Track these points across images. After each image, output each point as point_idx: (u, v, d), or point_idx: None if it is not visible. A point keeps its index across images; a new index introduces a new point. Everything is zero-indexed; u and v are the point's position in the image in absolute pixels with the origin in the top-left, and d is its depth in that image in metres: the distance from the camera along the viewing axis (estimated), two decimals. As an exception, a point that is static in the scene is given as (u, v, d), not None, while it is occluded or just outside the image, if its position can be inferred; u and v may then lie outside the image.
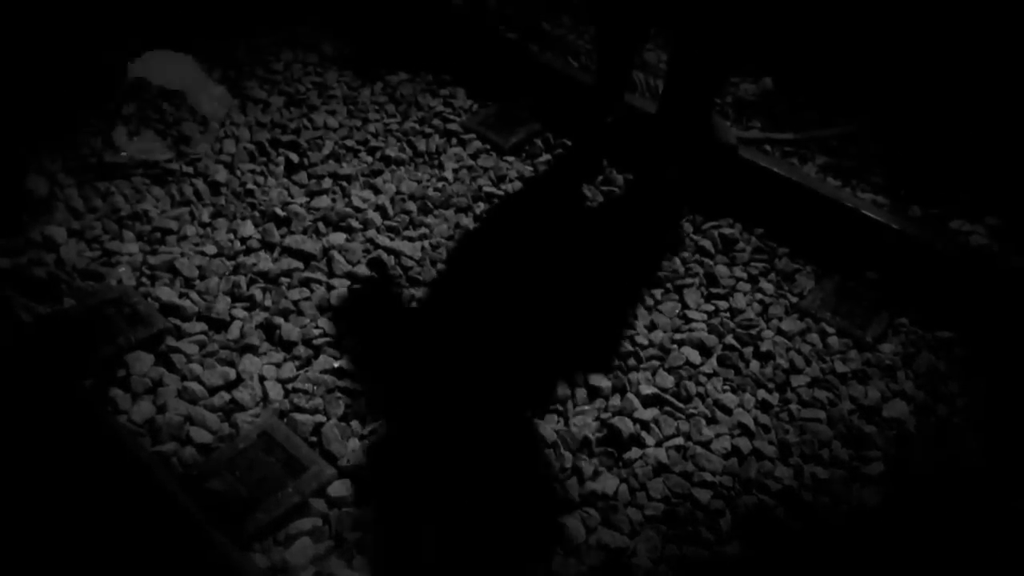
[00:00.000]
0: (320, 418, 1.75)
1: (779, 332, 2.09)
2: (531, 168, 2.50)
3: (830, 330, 2.11)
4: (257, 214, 2.21)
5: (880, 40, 2.90)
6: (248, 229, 2.16)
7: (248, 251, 2.11)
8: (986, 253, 2.30)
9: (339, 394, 1.80)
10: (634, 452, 1.77)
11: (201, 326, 1.90)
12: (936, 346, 2.10)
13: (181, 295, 1.96)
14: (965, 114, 2.77)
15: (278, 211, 2.21)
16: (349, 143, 2.49)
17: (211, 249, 2.09)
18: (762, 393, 1.94)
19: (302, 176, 2.36)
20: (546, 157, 2.55)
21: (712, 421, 1.86)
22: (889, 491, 1.76)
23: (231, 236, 2.14)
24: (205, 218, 2.18)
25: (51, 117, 2.39)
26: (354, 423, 1.75)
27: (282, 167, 2.37)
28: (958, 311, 2.15)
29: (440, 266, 2.14)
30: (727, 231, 2.32)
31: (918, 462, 1.83)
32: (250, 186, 2.29)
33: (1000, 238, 2.42)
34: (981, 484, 1.80)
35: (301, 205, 2.25)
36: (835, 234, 2.29)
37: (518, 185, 2.44)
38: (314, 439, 1.71)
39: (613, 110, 2.52)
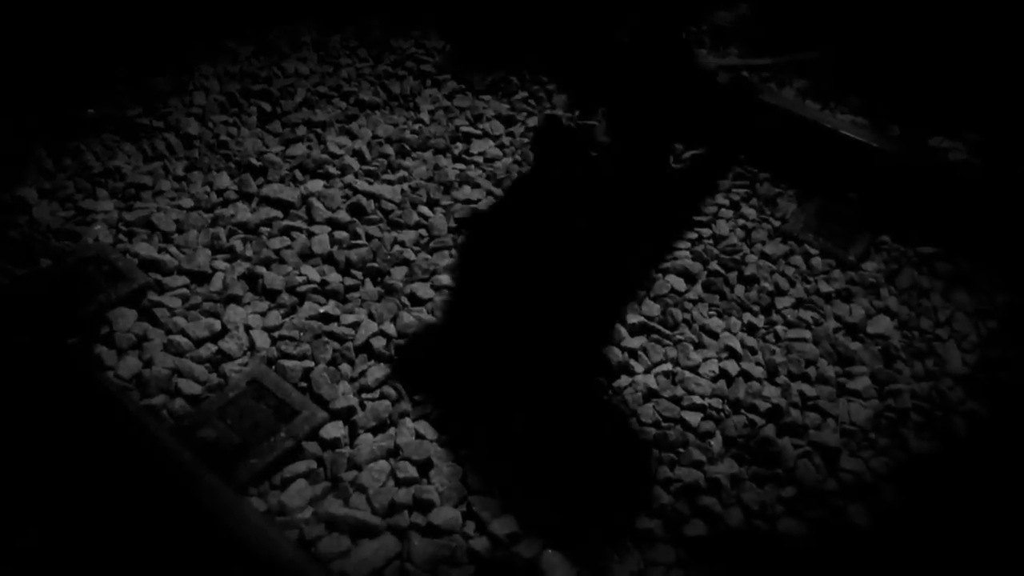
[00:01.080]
0: (309, 363, 1.74)
1: (763, 256, 2.09)
2: (508, 106, 2.47)
3: (813, 251, 2.11)
4: (232, 165, 2.18)
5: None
6: (224, 181, 2.13)
7: (226, 203, 2.09)
8: (966, 168, 2.30)
9: (326, 339, 1.79)
10: (623, 380, 1.78)
11: (183, 280, 1.88)
12: (918, 262, 2.12)
13: (160, 250, 1.94)
14: (942, 33, 2.75)
15: (253, 161, 2.18)
16: (322, 89, 2.45)
17: (188, 202, 2.07)
18: (748, 316, 1.95)
19: (276, 125, 2.32)
20: (523, 95, 2.52)
21: (699, 346, 1.87)
22: (876, 406, 1.79)
23: (207, 188, 2.11)
24: (179, 172, 2.14)
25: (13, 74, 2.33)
26: (343, 366, 1.75)
27: (255, 117, 2.34)
28: (939, 226, 2.16)
29: (422, 208, 2.13)
30: (708, 160, 2.31)
31: (903, 375, 1.85)
32: (223, 137, 2.25)
33: (979, 153, 2.42)
34: (964, 391, 1.83)
35: (277, 154, 2.22)
36: (815, 156, 2.28)
37: (496, 124, 2.41)
38: (304, 384, 1.71)
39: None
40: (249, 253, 1.96)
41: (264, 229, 2.03)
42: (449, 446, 1.62)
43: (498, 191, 2.20)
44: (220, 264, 1.93)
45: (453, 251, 2.02)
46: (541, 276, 1.97)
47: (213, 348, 1.76)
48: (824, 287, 2.03)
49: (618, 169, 2.27)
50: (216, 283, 1.89)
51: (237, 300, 1.86)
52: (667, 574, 1.48)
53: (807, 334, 1.92)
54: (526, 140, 2.37)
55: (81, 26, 2.49)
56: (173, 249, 1.95)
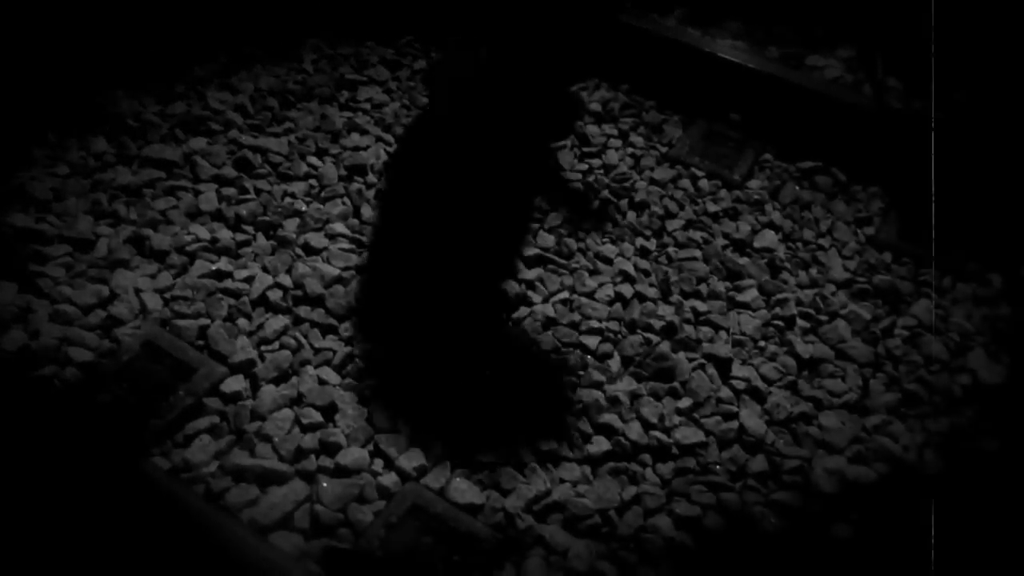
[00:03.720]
0: (204, 321, 1.72)
1: (652, 182, 2.15)
2: (393, 50, 2.45)
3: (700, 174, 2.18)
4: (108, 127, 2.10)
5: None
6: (101, 144, 2.06)
7: (104, 167, 2.02)
8: (838, 85, 2.39)
9: (220, 295, 1.77)
10: (522, 311, 1.82)
11: (65, 248, 1.82)
12: (799, 176, 2.21)
13: (38, 220, 1.87)
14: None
15: (130, 122, 2.11)
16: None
17: (63, 169, 1.99)
18: (640, 241, 2.00)
19: (151, 84, 2.24)
20: (409, 37, 2.49)
21: (595, 272, 1.92)
22: (764, 316, 1.87)
23: (83, 153, 2.03)
24: (51, 138, 2.06)
25: None
26: (240, 321, 1.73)
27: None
28: (818, 142, 2.25)
29: (311, 159, 2.10)
30: (595, 92, 2.34)
31: (789, 285, 1.94)
32: (97, 100, 2.16)
33: (852, 69, 2.52)
34: (847, 295, 1.93)
35: (154, 113, 2.15)
36: (697, 81, 2.34)
37: (382, 70, 2.39)
38: (200, 343, 1.69)
39: None
40: (134, 216, 1.91)
41: (147, 191, 1.97)
42: (353, 389, 1.64)
43: (388, 136, 2.18)
44: (104, 229, 1.88)
45: (345, 199, 2.01)
46: (436, 216, 1.98)
47: (103, 314, 1.71)
48: (712, 207, 2.10)
49: (498, 105, 2.28)
50: (101, 249, 1.84)
51: (124, 264, 1.81)
52: (574, 490, 1.54)
53: (697, 253, 1.99)
54: (412, 84, 2.36)
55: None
56: (52, 218, 1.88)
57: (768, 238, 2.04)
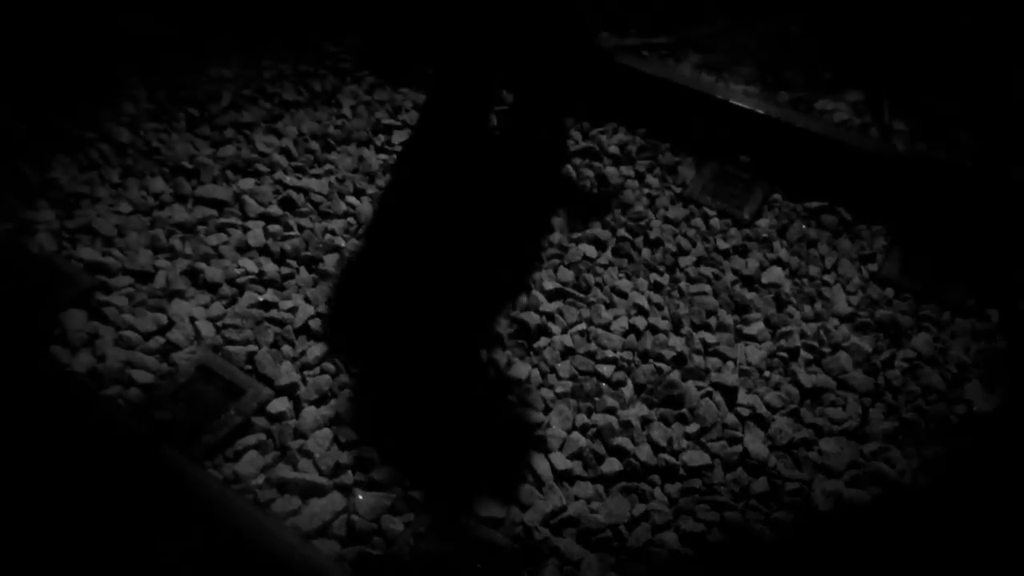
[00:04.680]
0: (252, 347, 1.89)
1: (666, 220, 2.29)
2: (425, 96, 2.62)
3: (711, 213, 2.32)
4: (166, 169, 2.29)
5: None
6: (159, 185, 2.25)
7: (162, 205, 2.21)
8: (845, 128, 2.53)
9: (267, 324, 1.94)
10: (542, 341, 1.96)
11: (127, 279, 2.01)
12: (807, 215, 2.34)
13: (104, 253, 2.06)
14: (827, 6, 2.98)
15: (186, 164, 2.30)
16: (247, 92, 2.57)
17: (126, 207, 2.18)
18: (654, 276, 2.14)
19: (204, 129, 2.44)
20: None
21: (610, 305, 2.06)
22: (770, 347, 2.00)
23: (143, 193, 2.23)
24: (115, 179, 2.25)
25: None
26: (285, 347, 1.90)
27: (184, 122, 2.45)
28: (824, 182, 2.38)
29: (349, 199, 2.27)
30: (613, 136, 2.50)
31: (794, 318, 2.07)
32: (155, 144, 2.36)
33: (860, 112, 2.65)
34: (849, 328, 2.05)
35: (207, 156, 2.34)
36: (710, 125, 2.49)
37: (414, 115, 2.56)
38: (249, 367, 1.86)
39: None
40: (188, 250, 2.09)
41: (201, 227, 2.16)
42: (386, 411, 1.79)
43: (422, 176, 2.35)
44: (162, 262, 2.06)
45: (380, 235, 2.18)
46: (463, 251, 2.14)
47: (161, 340, 1.89)
48: (722, 244, 2.23)
49: (525, 147, 2.44)
50: (159, 280, 2.02)
51: (180, 294, 1.99)
52: (588, 506, 1.68)
53: (708, 288, 2.12)
54: (444, 128, 2.53)
55: None
56: (116, 252, 2.06)
57: (775, 274, 2.17)
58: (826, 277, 2.19)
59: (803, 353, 2.00)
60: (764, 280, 2.16)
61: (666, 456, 1.76)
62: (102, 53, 2.61)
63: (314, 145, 2.41)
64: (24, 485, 1.51)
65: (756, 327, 2.04)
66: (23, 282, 1.95)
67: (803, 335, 2.04)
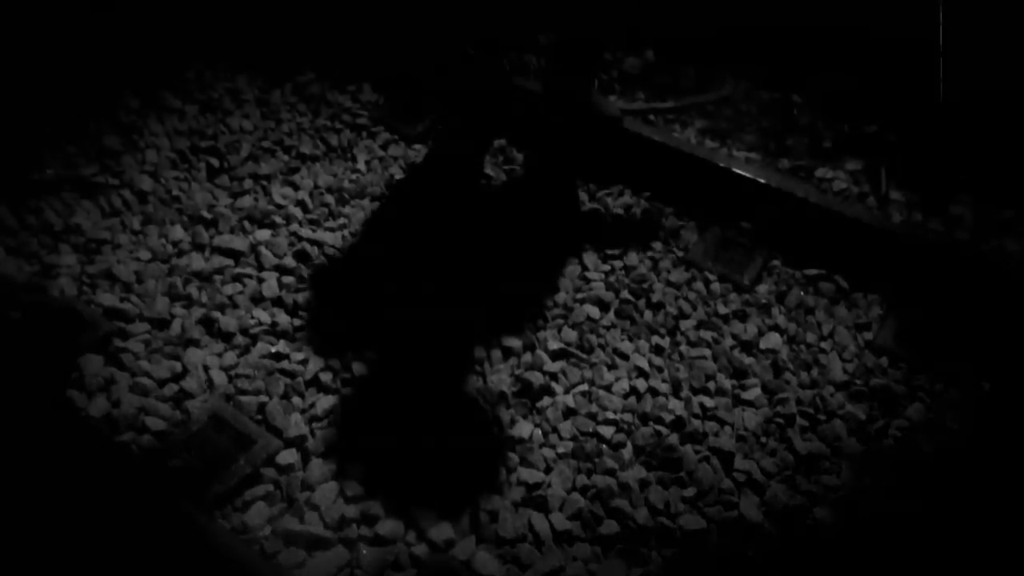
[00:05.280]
0: (263, 398, 1.94)
1: (668, 283, 2.36)
2: (425, 155, 2.71)
3: (712, 277, 2.38)
4: (185, 218, 2.37)
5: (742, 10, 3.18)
6: (178, 233, 2.32)
7: (180, 253, 2.28)
8: (844, 198, 2.61)
9: (279, 375, 2.00)
10: (545, 400, 2.02)
11: (144, 326, 2.07)
12: (805, 282, 2.40)
13: (122, 299, 2.12)
14: (825, 70, 3.08)
15: (204, 214, 2.37)
16: (265, 144, 2.65)
17: (145, 254, 2.25)
18: (655, 338, 2.20)
19: (224, 179, 2.52)
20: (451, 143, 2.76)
21: (612, 367, 2.12)
22: (767, 413, 2.05)
23: (163, 241, 2.30)
24: (136, 226, 2.33)
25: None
26: (295, 399, 1.95)
27: (204, 172, 2.53)
28: (823, 250, 2.45)
29: (361, 252, 2.34)
30: (619, 199, 2.58)
31: (791, 385, 2.12)
32: (176, 192, 2.44)
33: (858, 181, 2.73)
34: (845, 396, 2.10)
35: (226, 206, 2.42)
36: (712, 191, 2.56)
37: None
38: (259, 417, 1.91)
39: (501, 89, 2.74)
40: (204, 299, 2.16)
41: (217, 276, 2.22)
42: (391, 467, 1.84)
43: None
44: (178, 310, 2.12)
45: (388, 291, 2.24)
46: (470, 305, 2.20)
47: (175, 387, 1.95)
48: (722, 309, 2.30)
49: (533, 206, 2.52)
50: (175, 328, 2.08)
51: (195, 343, 2.05)
52: (585, 568, 1.72)
53: (707, 352, 2.18)
54: (455, 185, 2.61)
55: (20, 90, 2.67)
56: (134, 298, 2.13)
57: (773, 340, 2.23)
58: (823, 344, 2.25)
59: (799, 420, 2.05)
60: (762, 346, 2.22)
61: (663, 519, 1.80)
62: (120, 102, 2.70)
63: (329, 198, 2.49)
64: (40, 535, 1.56)
65: (754, 392, 2.09)
66: (44, 325, 2.01)
67: (799, 402, 2.09)
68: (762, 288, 2.38)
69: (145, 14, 3.05)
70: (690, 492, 1.87)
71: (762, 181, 2.49)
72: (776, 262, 2.45)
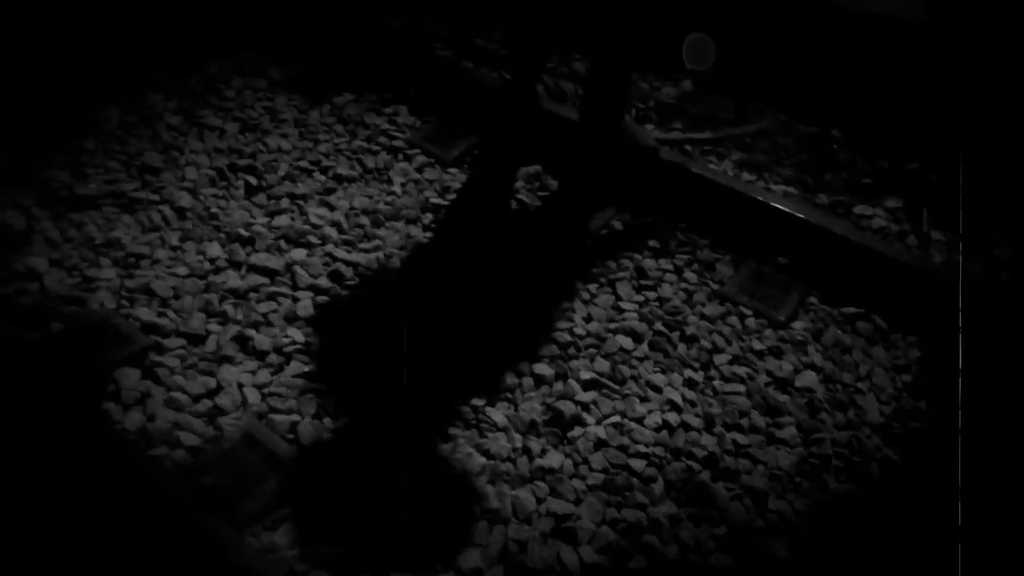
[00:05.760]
0: (295, 417, 1.94)
1: (702, 317, 2.34)
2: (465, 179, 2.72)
3: (747, 312, 2.36)
4: (222, 235, 2.39)
5: (781, 40, 3.18)
6: (215, 250, 2.34)
7: (217, 270, 2.29)
8: (883, 234, 2.58)
9: (311, 395, 2.00)
10: (576, 431, 2.00)
11: (180, 341, 2.08)
12: (842, 321, 2.37)
13: (159, 314, 2.14)
14: (861, 105, 3.06)
15: (241, 232, 2.39)
16: (303, 164, 2.68)
17: (183, 270, 2.27)
18: (688, 372, 2.18)
19: (261, 198, 2.54)
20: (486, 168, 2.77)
21: (644, 399, 2.10)
22: (801, 452, 2.02)
23: (200, 257, 2.32)
24: (174, 242, 2.35)
25: (18, 153, 2.54)
26: (326, 420, 1.95)
27: (242, 190, 2.55)
28: (861, 289, 2.42)
29: (395, 274, 2.35)
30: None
31: (826, 425, 2.09)
32: (214, 210, 2.47)
33: (898, 219, 2.70)
34: (881, 439, 2.07)
35: (262, 225, 2.44)
36: (749, 225, 2.55)
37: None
38: (291, 436, 1.91)
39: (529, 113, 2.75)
40: (240, 317, 2.17)
41: (252, 295, 2.23)
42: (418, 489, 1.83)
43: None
44: (214, 327, 2.14)
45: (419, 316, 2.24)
46: (502, 332, 2.20)
47: (209, 404, 1.95)
48: (757, 345, 2.27)
49: (565, 235, 2.52)
50: (211, 344, 2.09)
51: (230, 360, 2.06)
52: (614, 603, 1.69)
53: (741, 388, 2.16)
54: (491, 211, 2.62)
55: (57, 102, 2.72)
56: (171, 313, 2.15)
57: (809, 378, 2.20)
58: (860, 385, 2.21)
59: (834, 461, 2.01)
60: (798, 384, 2.19)
61: (693, 556, 1.78)
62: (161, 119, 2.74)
63: (364, 220, 2.50)
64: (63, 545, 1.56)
65: (788, 431, 2.06)
66: (83, 337, 2.03)
67: (835, 443, 2.05)
68: (798, 325, 2.35)
69: (186, 36, 3.11)
70: (721, 530, 1.84)
71: (800, 216, 2.47)
72: (813, 299, 2.42)
